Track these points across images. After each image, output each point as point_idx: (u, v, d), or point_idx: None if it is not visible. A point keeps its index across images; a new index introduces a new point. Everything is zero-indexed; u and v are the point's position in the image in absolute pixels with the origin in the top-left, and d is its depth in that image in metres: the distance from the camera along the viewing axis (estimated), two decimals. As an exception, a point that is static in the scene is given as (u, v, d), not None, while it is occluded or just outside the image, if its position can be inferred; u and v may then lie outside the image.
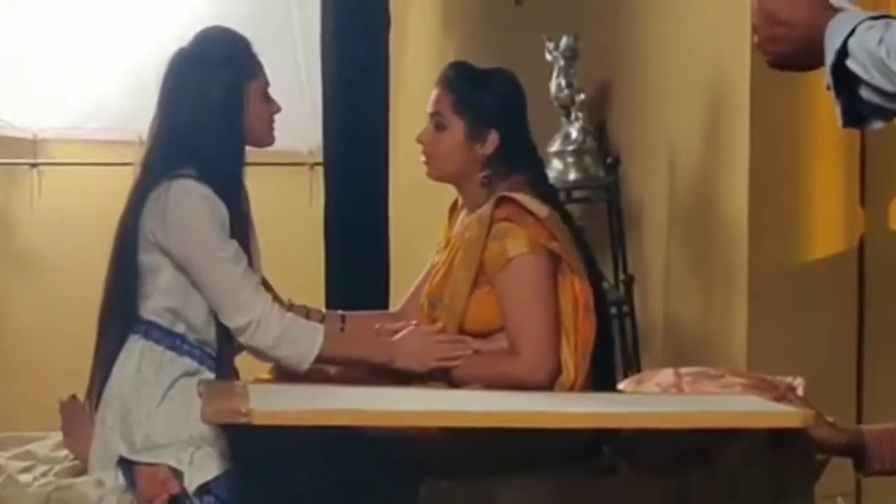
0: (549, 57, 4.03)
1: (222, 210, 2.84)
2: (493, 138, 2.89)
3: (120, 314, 2.89)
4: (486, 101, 2.96)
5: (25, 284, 4.85)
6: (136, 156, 3.05)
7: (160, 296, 2.86)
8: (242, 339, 2.82)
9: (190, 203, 2.83)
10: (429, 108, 3.00)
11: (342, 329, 3.17)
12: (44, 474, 3.01)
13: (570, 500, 2.73)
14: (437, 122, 2.96)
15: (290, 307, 3.10)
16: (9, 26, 5.01)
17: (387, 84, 4.41)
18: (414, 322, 3.13)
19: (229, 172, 2.92)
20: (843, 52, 1.49)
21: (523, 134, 3.04)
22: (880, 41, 1.46)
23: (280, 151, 3.85)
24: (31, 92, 5.02)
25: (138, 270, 2.87)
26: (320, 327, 2.96)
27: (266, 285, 3.07)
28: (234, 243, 2.87)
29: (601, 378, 2.93)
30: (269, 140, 2.98)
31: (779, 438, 2.60)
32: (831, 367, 3.66)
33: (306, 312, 3.12)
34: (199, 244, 2.85)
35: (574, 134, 4.02)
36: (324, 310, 3.71)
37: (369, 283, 4.29)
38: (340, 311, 3.28)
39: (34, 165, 4.86)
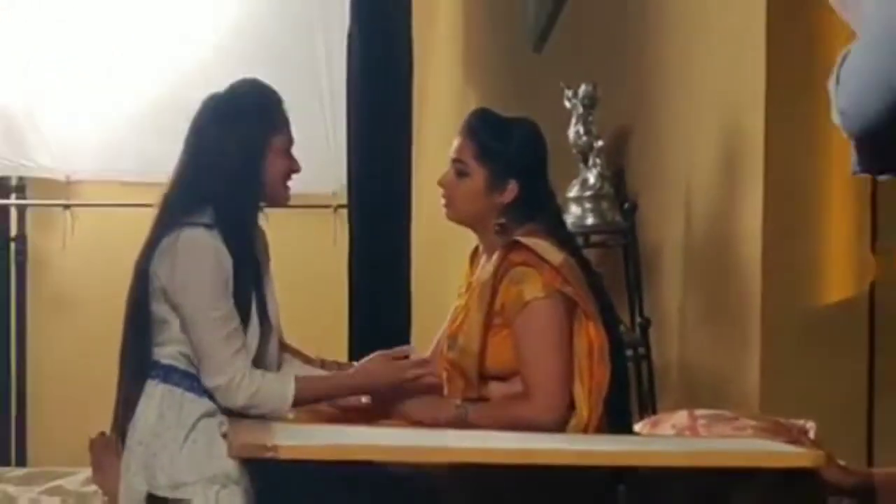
0: (567, 104, 4.01)
1: (227, 264, 2.87)
2: (512, 187, 2.91)
3: (136, 358, 2.93)
4: (508, 151, 2.98)
5: (58, 323, 4.88)
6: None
7: (174, 343, 2.91)
8: (217, 399, 2.87)
9: (196, 256, 2.88)
10: (451, 155, 3.01)
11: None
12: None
13: None
14: (459, 169, 2.97)
15: (321, 364, 3.17)
16: (43, 72, 5.07)
17: (409, 129, 4.40)
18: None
19: (241, 222, 2.95)
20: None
21: (542, 184, 3.06)
22: (836, 79, 1.50)
23: (305, 194, 3.81)
24: (65, 135, 4.94)
25: (151, 318, 2.92)
26: (289, 377, 3.00)
27: (283, 344, 3.14)
28: (229, 304, 2.92)
29: (616, 421, 2.93)
30: (284, 196, 3.00)
31: (791, 480, 2.52)
32: (843, 410, 3.51)
33: (337, 367, 3.20)
34: (194, 301, 2.90)
35: (592, 180, 4.02)
36: (346, 348, 4.02)
37: (392, 323, 4.26)
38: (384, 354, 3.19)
39: (67, 207, 4.85)
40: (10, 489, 3.74)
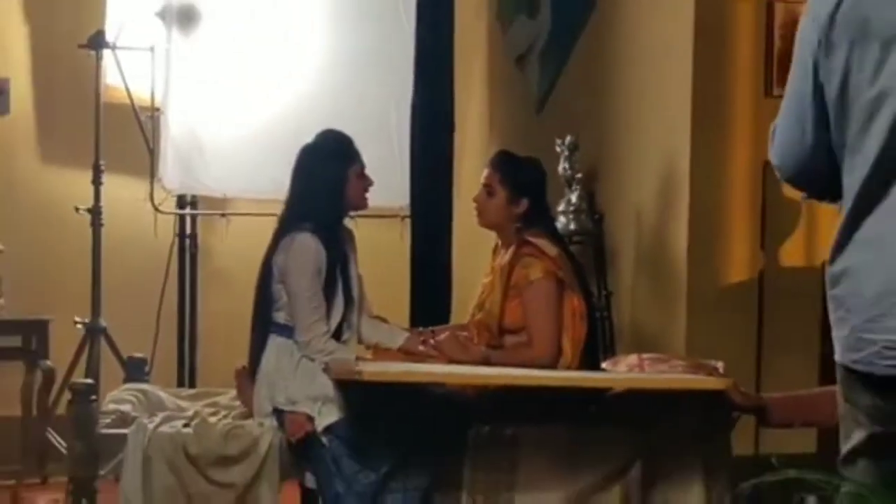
0: (557, 149, 4.34)
1: (322, 256, 3.24)
2: (524, 203, 3.30)
3: (261, 319, 3.33)
4: (522, 179, 3.35)
5: (218, 295, 5.16)
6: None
7: (285, 309, 3.30)
8: (300, 351, 3.24)
9: (300, 253, 3.26)
10: (482, 181, 3.39)
11: (423, 341, 3.53)
12: (225, 417, 3.45)
13: (567, 443, 3.17)
14: (488, 191, 3.35)
15: (392, 327, 3.57)
16: (202, 109, 4.99)
17: (451, 165, 4.67)
18: (448, 329, 3.66)
19: (332, 230, 3.34)
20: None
21: (544, 201, 3.43)
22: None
23: (380, 207, 4.25)
24: (223, 163, 4.97)
25: (271, 293, 3.28)
26: (353, 354, 3.34)
27: (372, 314, 3.50)
28: (318, 287, 3.29)
29: (589, 361, 3.33)
30: (363, 205, 3.42)
31: (708, 399, 3.04)
32: (740, 356, 3.95)
33: (409, 339, 3.57)
34: (296, 284, 3.25)
35: (574, 199, 4.36)
36: (408, 316, 4.30)
37: (438, 298, 4.50)
38: (430, 328, 3.69)
39: (224, 215, 5.08)
40: (183, 403, 3.82)
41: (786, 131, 1.66)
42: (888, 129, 1.55)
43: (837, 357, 1.64)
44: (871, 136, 1.57)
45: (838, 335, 1.65)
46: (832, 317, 1.65)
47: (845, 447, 1.73)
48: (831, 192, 1.68)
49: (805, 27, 1.62)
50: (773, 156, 1.68)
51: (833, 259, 1.63)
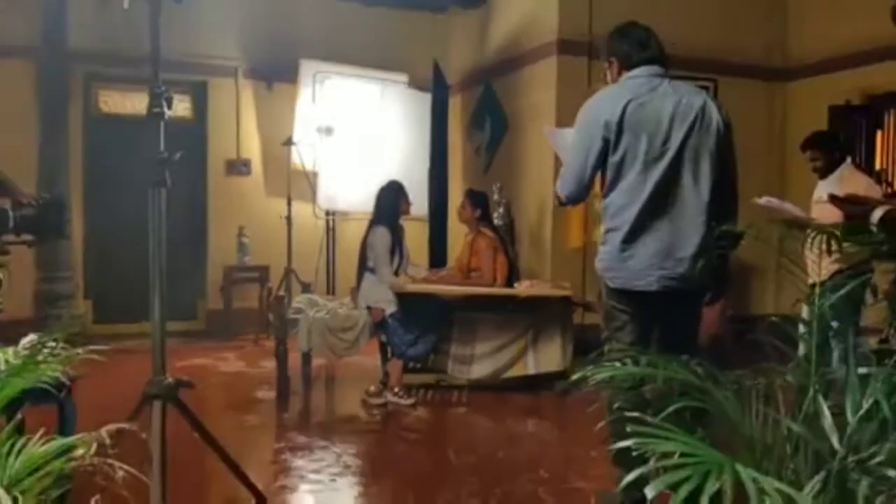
0: (493, 189, 5.56)
1: (388, 238, 3.92)
2: (479, 212, 4.39)
3: (361, 265, 4.08)
4: (479, 201, 4.44)
5: (344, 255, 5.85)
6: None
7: (372, 261, 3.99)
8: (378, 279, 3.95)
9: (379, 235, 3.99)
10: (461, 201, 4.46)
11: (433, 275, 4.44)
12: (342, 308, 4.27)
13: (498, 321, 4.28)
14: (464, 205, 4.40)
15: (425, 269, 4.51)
16: (337, 174, 5.82)
17: (447, 195, 5.86)
18: (445, 270, 4.62)
19: (394, 224, 4.00)
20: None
21: (488, 211, 4.56)
22: (561, 179, 2.29)
23: (416, 216, 4.95)
24: (345, 196, 5.86)
25: (366, 254, 4.03)
26: (401, 280, 3.98)
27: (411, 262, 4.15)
28: (388, 253, 3.95)
29: (509, 284, 4.38)
30: (407, 213, 4.20)
31: (562, 301, 4.33)
32: (575, 279, 4.98)
33: (428, 273, 4.47)
34: (378, 254, 3.98)
35: (501, 211, 5.54)
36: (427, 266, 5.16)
37: (441, 257, 5.70)
38: (441, 270, 4.72)
39: (345, 219, 6.14)
40: (328, 303, 4.53)
41: (573, 172, 2.20)
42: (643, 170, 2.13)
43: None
44: (640, 173, 2.14)
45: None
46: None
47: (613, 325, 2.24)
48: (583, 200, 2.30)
49: (595, 122, 2.16)
50: (562, 190, 2.23)
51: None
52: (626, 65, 2.35)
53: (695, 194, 2.22)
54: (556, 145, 2.54)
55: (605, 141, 2.20)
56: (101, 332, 5.85)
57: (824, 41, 5.81)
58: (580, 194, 2.31)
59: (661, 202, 2.23)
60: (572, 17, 5.37)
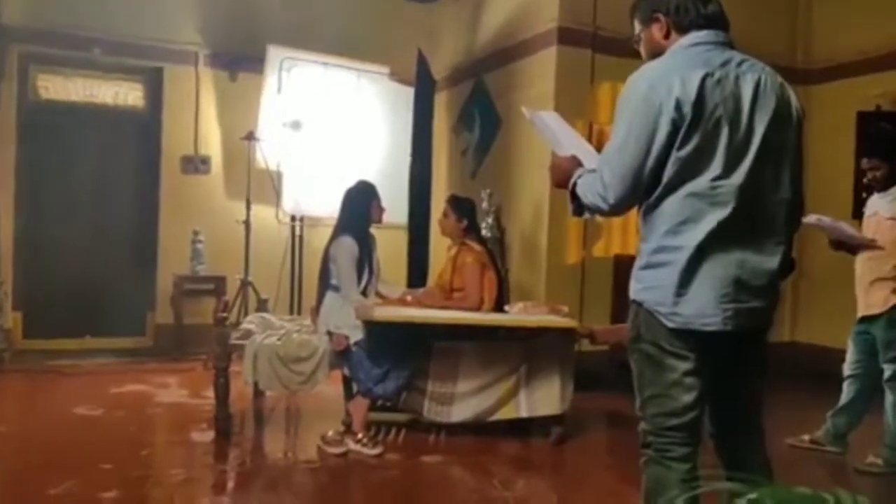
0: (482, 196, 5.18)
1: (356, 250, 3.46)
2: (464, 222, 3.81)
3: (323, 282, 3.59)
4: (465, 210, 3.87)
5: (309, 266, 5.08)
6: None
7: (335, 278, 3.51)
8: (342, 299, 3.43)
9: (344, 247, 3.51)
10: (443, 209, 3.90)
11: (408, 296, 3.76)
12: (300, 333, 3.70)
13: (485, 352, 3.62)
14: (446, 213, 3.85)
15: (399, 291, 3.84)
16: (303, 174, 5.25)
17: (430, 200, 5.29)
18: (424, 290, 3.94)
19: (363, 235, 3.60)
20: (575, 185, 1.77)
21: (475, 222, 3.95)
22: (600, 180, 1.67)
23: (393, 223, 4.49)
24: (311, 199, 5.30)
25: (329, 268, 3.54)
26: (371, 302, 3.44)
27: (376, 284, 3.57)
28: (354, 268, 3.45)
29: (499, 307, 3.83)
30: (379, 221, 3.67)
31: (563, 332, 3.64)
32: (573, 302, 4.54)
33: (402, 293, 3.84)
34: (342, 269, 3.50)
35: (490, 221, 5.19)
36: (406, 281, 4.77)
37: (421, 275, 5.16)
38: (419, 289, 4.01)
39: (312, 225, 5.43)
40: (285, 323, 3.94)
41: (626, 167, 1.63)
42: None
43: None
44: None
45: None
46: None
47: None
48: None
49: (659, 100, 1.60)
50: (609, 193, 1.65)
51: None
52: (681, 25, 1.76)
53: (775, 206, 1.72)
54: (540, 130, 1.97)
55: (675, 126, 1.62)
56: (31, 349, 5.35)
57: (853, 41, 5.35)
58: (633, 198, 1.69)
59: (740, 216, 1.66)
60: (574, 4, 4.92)
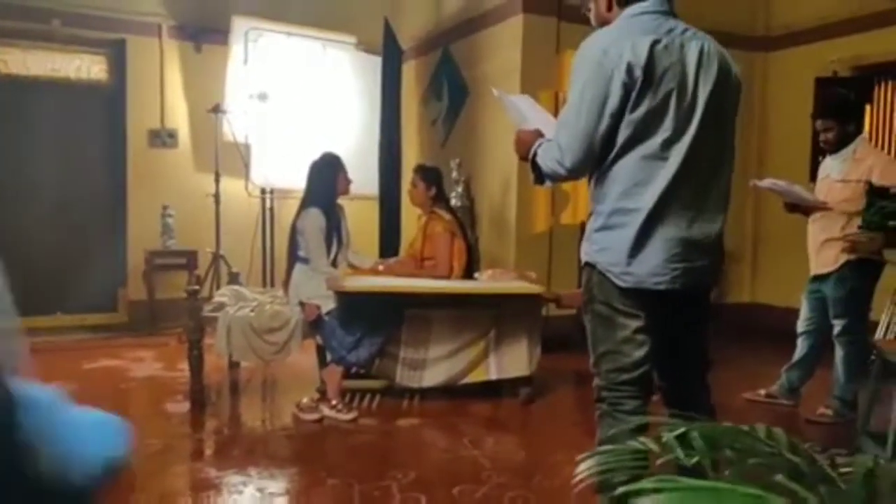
0: (451, 165, 5.25)
1: (323, 222, 3.46)
2: (433, 190, 3.89)
3: (291, 254, 3.61)
4: (431, 178, 3.93)
5: (279, 238, 4.98)
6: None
7: (303, 250, 3.53)
8: (312, 270, 3.46)
9: (311, 219, 3.51)
10: (411, 179, 3.95)
11: (380, 265, 3.80)
12: (273, 304, 3.70)
13: (455, 318, 3.67)
14: (415, 183, 3.91)
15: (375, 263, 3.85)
16: (271, 146, 5.20)
17: (400, 171, 5.29)
18: (395, 259, 3.99)
19: (329, 206, 3.59)
20: (535, 154, 1.80)
21: (443, 190, 4.00)
22: (557, 146, 1.71)
23: (363, 194, 4.69)
24: (280, 173, 5.21)
25: (297, 240, 3.55)
26: (343, 273, 3.48)
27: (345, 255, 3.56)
28: (322, 240, 3.46)
29: (468, 274, 3.93)
30: (346, 193, 3.64)
31: (529, 296, 3.70)
32: (541, 269, 4.67)
33: (374, 263, 3.87)
34: (309, 241, 3.50)
35: (459, 190, 5.32)
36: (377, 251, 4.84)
37: (392, 245, 5.17)
38: (391, 259, 4.07)
39: (282, 197, 5.34)
40: (257, 295, 3.95)
41: (581, 131, 1.68)
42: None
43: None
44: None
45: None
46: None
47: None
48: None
49: (611, 64, 1.64)
50: (566, 158, 1.70)
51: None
52: None
53: (718, 168, 1.80)
54: (508, 110, 2.04)
55: (626, 90, 1.67)
56: (1, 327, 5.25)
57: (811, 9, 5.44)
58: (590, 161, 1.74)
59: (687, 177, 1.73)
60: (540, -28, 4.86)
